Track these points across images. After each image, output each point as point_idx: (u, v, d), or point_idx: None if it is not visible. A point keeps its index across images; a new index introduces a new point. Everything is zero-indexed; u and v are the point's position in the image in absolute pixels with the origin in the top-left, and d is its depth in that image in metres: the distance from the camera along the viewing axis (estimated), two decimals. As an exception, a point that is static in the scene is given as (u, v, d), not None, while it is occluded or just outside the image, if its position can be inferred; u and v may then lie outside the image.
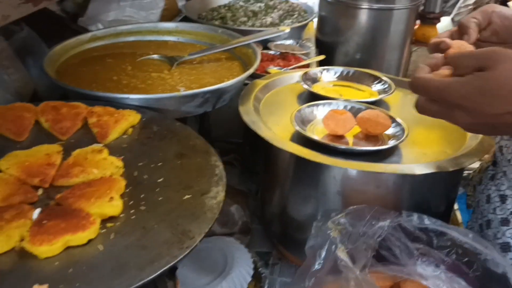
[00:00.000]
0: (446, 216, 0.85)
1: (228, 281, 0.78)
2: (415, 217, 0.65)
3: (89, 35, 1.10)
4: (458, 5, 3.14)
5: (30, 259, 0.53)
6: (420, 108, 0.60)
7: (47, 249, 0.53)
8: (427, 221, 0.66)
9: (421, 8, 1.51)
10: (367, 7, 1.39)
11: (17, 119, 0.75)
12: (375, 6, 1.39)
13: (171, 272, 0.75)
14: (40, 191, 0.64)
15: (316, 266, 0.65)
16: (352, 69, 1.03)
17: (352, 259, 0.64)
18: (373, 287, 0.60)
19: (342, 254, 0.64)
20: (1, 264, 0.52)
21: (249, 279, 0.80)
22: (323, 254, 0.66)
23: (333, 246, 0.65)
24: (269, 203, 0.93)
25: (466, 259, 0.66)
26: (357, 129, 0.81)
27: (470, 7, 2.78)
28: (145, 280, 0.50)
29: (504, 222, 0.76)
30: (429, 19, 1.51)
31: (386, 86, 0.97)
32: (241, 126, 1.00)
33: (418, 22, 1.53)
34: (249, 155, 1.18)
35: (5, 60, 1.05)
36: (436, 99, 0.57)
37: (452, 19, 3.11)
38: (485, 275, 0.63)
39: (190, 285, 0.77)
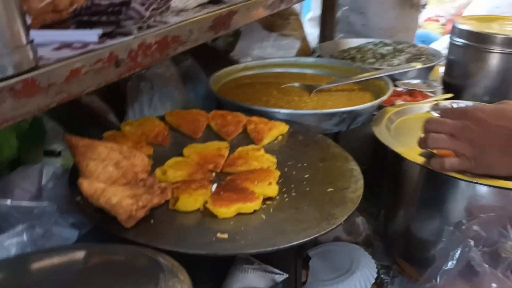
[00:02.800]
0: None
1: (353, 278, 0.86)
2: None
3: (242, 65, 1.30)
4: None
5: (211, 218, 0.68)
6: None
7: (224, 211, 0.67)
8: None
9: (556, 54, 1.50)
10: (498, 51, 1.43)
11: (194, 121, 0.93)
12: (507, 50, 1.42)
13: (306, 262, 0.85)
14: (213, 175, 0.80)
15: (449, 265, 0.69)
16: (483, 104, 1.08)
17: (488, 262, 0.67)
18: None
19: (477, 256, 0.67)
20: (190, 219, 0.68)
21: (373, 280, 0.87)
22: (457, 255, 0.69)
23: (467, 249, 0.69)
24: (392, 221, 1.00)
25: None
26: None
27: None
28: (301, 241, 0.62)
29: None
30: None
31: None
32: (368, 153, 1.10)
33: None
34: (373, 180, 1.26)
35: (174, 82, 1.29)
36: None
37: None
38: None
39: (319, 277, 0.87)
